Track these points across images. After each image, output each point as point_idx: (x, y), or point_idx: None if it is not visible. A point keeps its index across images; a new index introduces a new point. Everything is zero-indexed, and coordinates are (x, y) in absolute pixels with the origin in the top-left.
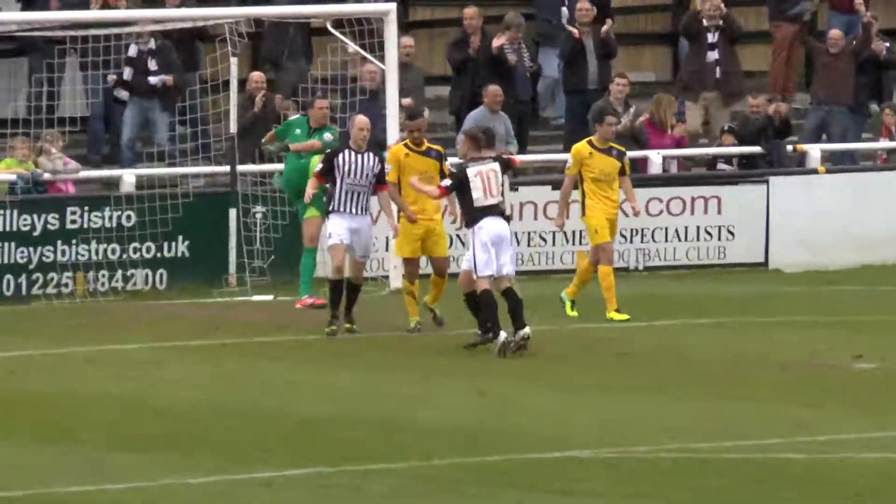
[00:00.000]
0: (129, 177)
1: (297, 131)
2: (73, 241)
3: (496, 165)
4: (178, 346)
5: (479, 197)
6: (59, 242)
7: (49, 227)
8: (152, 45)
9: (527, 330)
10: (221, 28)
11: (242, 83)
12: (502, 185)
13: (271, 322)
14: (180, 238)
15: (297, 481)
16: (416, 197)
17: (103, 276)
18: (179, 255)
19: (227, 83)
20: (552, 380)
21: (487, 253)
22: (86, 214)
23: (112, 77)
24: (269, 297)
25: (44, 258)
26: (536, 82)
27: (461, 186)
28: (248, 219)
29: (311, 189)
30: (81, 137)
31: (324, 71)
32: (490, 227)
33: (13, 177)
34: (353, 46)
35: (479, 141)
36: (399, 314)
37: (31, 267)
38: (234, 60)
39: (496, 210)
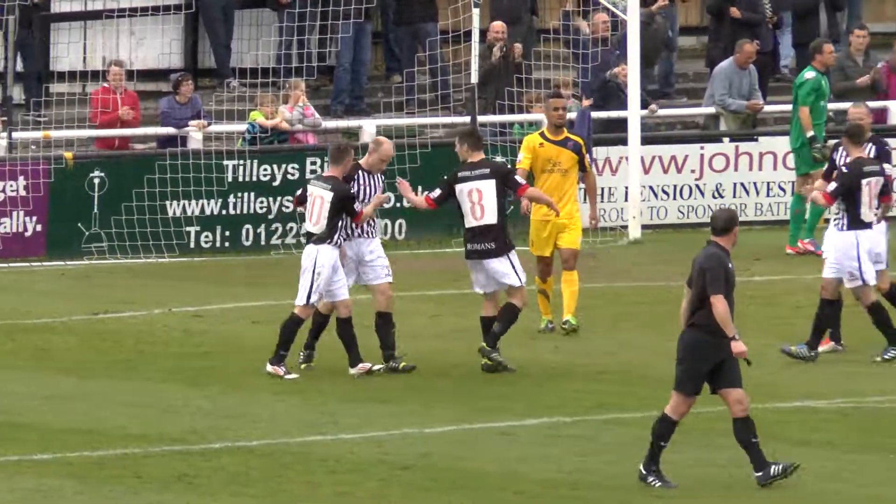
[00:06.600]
0: (369, 127)
1: None
2: None
3: (489, 183)
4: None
5: (467, 218)
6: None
7: (289, 177)
8: None
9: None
10: None
11: (483, 34)
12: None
13: None
14: (419, 189)
15: None
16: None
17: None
18: None
19: (468, 34)
20: None
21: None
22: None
23: None
24: None
25: (283, 208)
26: (775, 34)
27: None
28: None
29: None
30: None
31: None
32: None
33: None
34: None
35: (476, 141)
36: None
37: (271, 217)
38: (475, 11)
39: (485, 237)
